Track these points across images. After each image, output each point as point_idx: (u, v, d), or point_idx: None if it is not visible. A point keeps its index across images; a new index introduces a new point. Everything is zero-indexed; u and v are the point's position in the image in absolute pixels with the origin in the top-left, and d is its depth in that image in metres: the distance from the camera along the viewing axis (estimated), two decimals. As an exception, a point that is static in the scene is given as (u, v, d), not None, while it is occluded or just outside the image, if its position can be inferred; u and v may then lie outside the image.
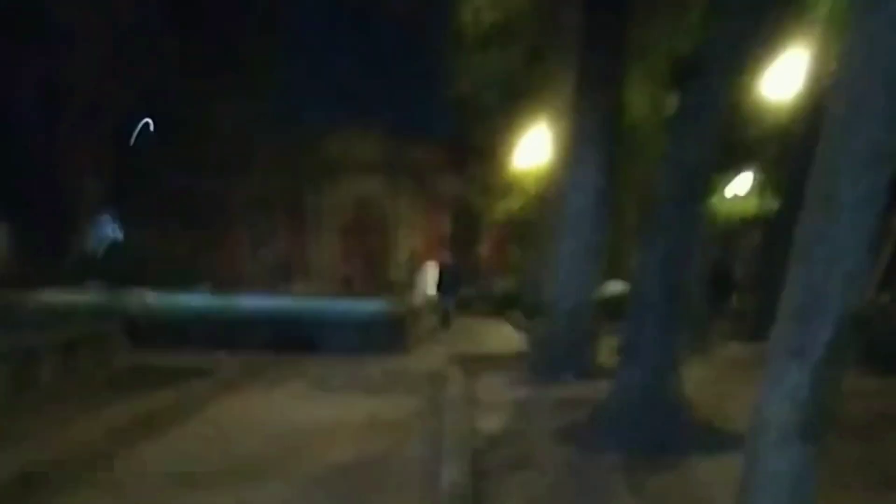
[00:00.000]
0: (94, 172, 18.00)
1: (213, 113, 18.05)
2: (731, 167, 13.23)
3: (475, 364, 9.34)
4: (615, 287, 12.04)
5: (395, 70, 21.71)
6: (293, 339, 10.60)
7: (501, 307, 18.24)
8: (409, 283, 20.55)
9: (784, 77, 10.11)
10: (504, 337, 13.35)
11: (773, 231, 12.37)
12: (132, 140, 18.78)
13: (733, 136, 9.64)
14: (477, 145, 18.51)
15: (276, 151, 20.19)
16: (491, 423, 6.32)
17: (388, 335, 11.13)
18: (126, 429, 5.83)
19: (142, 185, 17.90)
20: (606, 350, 8.02)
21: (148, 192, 17.78)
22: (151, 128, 18.78)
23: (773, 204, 12.92)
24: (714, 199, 10.90)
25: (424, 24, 17.05)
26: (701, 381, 7.04)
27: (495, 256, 23.16)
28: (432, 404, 7.30)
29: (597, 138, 8.49)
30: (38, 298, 10.98)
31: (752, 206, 14.42)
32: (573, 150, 8.64)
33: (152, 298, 11.59)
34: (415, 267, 21.56)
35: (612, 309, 8.82)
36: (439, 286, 16.06)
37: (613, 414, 5.74)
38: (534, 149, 12.87)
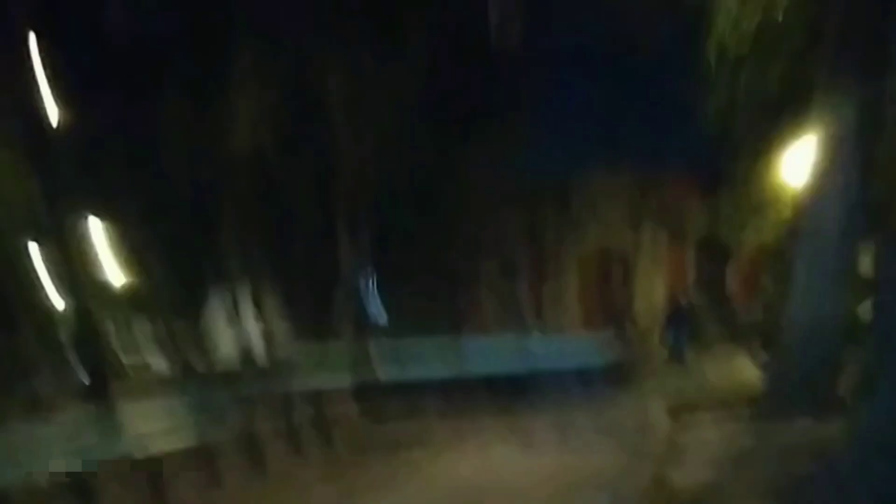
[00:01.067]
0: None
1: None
2: None
3: (697, 406, 8.65)
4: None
5: (640, 101, 21.65)
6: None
7: (746, 341, 17.29)
8: (651, 320, 20.38)
9: None
10: (740, 373, 12.34)
11: None
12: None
13: None
14: (729, 171, 17.88)
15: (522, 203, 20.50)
16: (696, 476, 5.69)
17: (609, 378, 11.10)
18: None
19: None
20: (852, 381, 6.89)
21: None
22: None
23: None
24: None
25: (668, 51, 16.80)
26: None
27: (744, 290, 21.92)
28: (636, 456, 6.96)
29: (853, 142, 7.78)
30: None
31: None
32: (827, 155, 8.01)
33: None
34: (656, 303, 21.37)
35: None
36: (673, 320, 15.74)
37: (845, 467, 4.66)
38: (791, 171, 12.22)
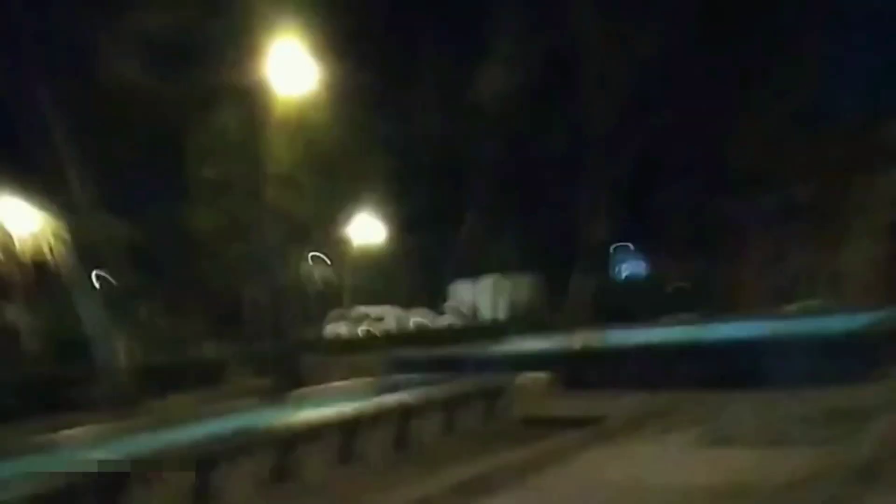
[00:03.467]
0: (608, 211, 18.92)
1: (736, 127, 17.58)
2: None
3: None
4: None
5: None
6: (733, 371, 9.18)
7: None
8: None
9: None
10: None
11: None
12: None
13: None
14: None
15: (805, 152, 18.47)
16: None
17: (857, 360, 8.76)
18: (468, 484, 5.64)
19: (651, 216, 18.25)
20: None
21: (657, 222, 18.28)
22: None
23: None
24: None
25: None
26: None
27: None
28: (848, 462, 5.47)
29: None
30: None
31: None
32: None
33: (601, 336, 11.99)
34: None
35: None
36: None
37: None
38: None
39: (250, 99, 13.40)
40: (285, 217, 17.55)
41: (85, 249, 16.52)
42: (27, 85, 13.11)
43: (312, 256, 21.56)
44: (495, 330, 18.70)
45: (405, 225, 20.85)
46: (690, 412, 8.06)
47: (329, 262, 22.02)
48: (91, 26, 12.37)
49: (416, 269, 22.87)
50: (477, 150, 18.81)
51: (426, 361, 11.54)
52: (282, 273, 17.39)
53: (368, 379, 10.31)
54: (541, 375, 9.37)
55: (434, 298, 24.30)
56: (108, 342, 16.19)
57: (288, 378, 13.11)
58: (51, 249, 15.24)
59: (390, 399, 7.51)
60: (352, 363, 18.00)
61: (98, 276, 19.16)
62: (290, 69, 12.74)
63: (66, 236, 15.40)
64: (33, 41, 12.69)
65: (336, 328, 25.26)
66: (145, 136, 14.94)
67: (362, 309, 25.76)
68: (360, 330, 24.52)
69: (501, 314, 24.74)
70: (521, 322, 20.39)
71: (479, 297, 25.52)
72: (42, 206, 14.56)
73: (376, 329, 25.45)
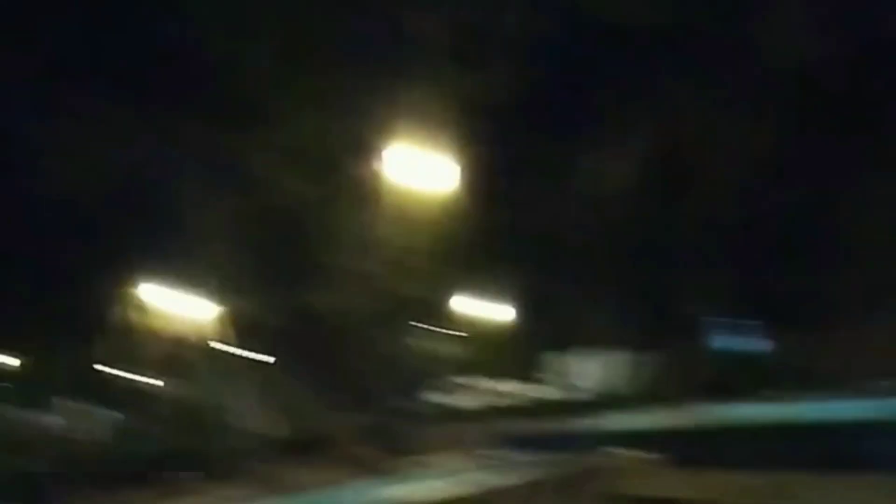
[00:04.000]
0: (711, 285, 18.69)
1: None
2: None
3: None
4: None
5: None
6: (846, 453, 9.18)
7: None
8: None
9: None
10: None
11: None
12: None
13: None
14: None
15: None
16: None
17: None
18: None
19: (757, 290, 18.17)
20: None
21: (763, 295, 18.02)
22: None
23: None
24: None
25: None
26: None
27: None
28: None
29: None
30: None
31: None
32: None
33: (705, 411, 11.77)
34: None
35: None
36: None
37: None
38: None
39: (374, 194, 15.20)
40: (398, 296, 19.40)
41: (233, 328, 18.92)
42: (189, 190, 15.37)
43: (420, 330, 23.04)
44: (594, 404, 18.96)
45: (507, 300, 22.03)
46: (806, 497, 8.13)
47: (434, 334, 23.39)
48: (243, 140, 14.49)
49: (516, 342, 23.78)
50: (583, 232, 19.76)
51: (528, 435, 12.20)
52: (387, 346, 18.76)
53: (472, 451, 10.47)
54: (646, 453, 9.61)
55: (533, 371, 25.01)
56: (239, 412, 17.66)
57: (391, 448, 14.18)
58: (205, 328, 17.36)
59: (497, 478, 8.09)
60: (452, 433, 18.97)
61: (241, 352, 21.46)
62: (415, 165, 14.48)
63: (219, 317, 17.40)
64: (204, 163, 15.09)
65: (440, 398, 26.52)
66: (290, 234, 17.03)
67: (466, 380, 26.92)
68: (464, 400, 25.59)
69: (600, 387, 25.01)
70: (621, 396, 20.65)
71: (578, 369, 25.90)
72: (203, 292, 16.71)
73: (478, 400, 26.49)
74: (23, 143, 13.72)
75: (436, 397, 26.62)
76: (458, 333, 22.77)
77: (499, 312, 22.81)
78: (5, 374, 22.40)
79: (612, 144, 17.51)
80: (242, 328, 19.72)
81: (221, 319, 18.75)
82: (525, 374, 24.75)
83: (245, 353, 21.01)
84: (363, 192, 14.97)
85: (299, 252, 17.35)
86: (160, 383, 22.99)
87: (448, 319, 22.23)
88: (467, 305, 22.27)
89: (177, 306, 18.44)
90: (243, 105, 13.61)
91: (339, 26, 12.39)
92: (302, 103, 13.47)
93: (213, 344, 18.63)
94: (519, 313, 22.30)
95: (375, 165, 14.54)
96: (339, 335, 20.67)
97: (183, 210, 15.20)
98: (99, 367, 21.76)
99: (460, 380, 25.83)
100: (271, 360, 22.17)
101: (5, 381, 22.41)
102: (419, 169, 14.69)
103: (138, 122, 13.27)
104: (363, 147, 14.09)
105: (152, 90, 12.89)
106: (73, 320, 18.62)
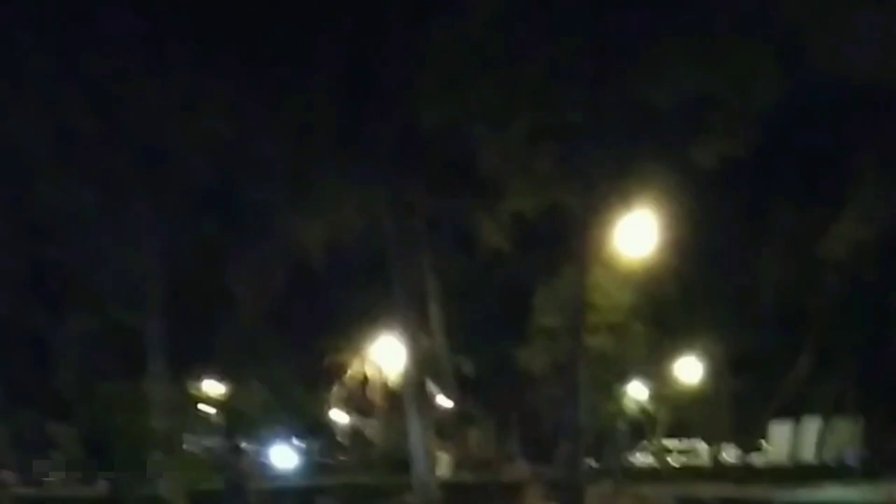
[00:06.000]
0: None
1: None
2: None
3: None
4: None
5: None
6: None
7: None
8: None
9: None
10: None
11: None
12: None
13: None
14: None
15: None
16: None
17: None
18: None
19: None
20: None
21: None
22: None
23: None
24: None
25: None
26: None
27: None
28: None
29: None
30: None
31: None
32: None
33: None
34: None
35: None
36: None
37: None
38: None
39: (589, 261, 15.05)
40: (608, 358, 19.09)
41: (431, 377, 19.57)
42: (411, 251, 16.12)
43: (630, 391, 22.45)
44: (811, 473, 17.69)
45: (726, 365, 21.02)
46: None
47: (645, 396, 22.72)
48: (470, 209, 15.15)
49: (731, 407, 22.64)
50: (819, 296, 18.61)
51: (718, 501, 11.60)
52: (588, 406, 18.37)
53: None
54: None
55: (748, 436, 23.66)
56: (430, 457, 18.07)
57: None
58: (405, 377, 18.07)
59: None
60: (641, 496, 18.37)
61: (434, 401, 22.18)
62: (635, 234, 14.18)
63: (420, 367, 18.02)
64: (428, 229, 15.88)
65: (643, 458, 25.62)
66: (501, 293, 17.48)
67: (671, 442, 25.84)
68: (666, 462, 24.55)
69: (820, 457, 23.21)
70: (842, 467, 19.12)
71: (798, 438, 24.24)
72: (410, 343, 17.34)
73: (681, 462, 25.21)
74: (275, 213, 15.14)
75: (634, 456, 25.71)
76: (670, 394, 22.05)
77: (717, 374, 21.82)
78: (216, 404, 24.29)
79: (856, 209, 16.25)
80: (447, 378, 20.35)
81: (431, 369, 19.40)
82: (741, 438, 23.48)
83: (446, 402, 21.66)
84: (586, 256, 14.82)
85: (513, 310, 17.64)
86: (365, 424, 24.31)
87: (664, 381, 21.60)
88: (686, 367, 21.55)
89: (393, 357, 19.37)
90: (482, 177, 14.05)
91: (580, 100, 12.40)
92: (535, 174, 13.63)
93: (416, 391, 19.26)
94: (740, 375, 21.30)
95: (600, 231, 14.38)
96: (539, 389, 20.79)
97: (408, 271, 15.84)
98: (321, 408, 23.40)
99: (664, 441, 24.89)
100: (471, 408, 22.68)
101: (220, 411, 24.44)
102: (644, 234, 14.38)
103: (381, 194, 14.08)
104: (592, 213, 13.97)
105: (408, 169, 13.71)
106: (302, 367, 20.23)
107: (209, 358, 20.11)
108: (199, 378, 20.87)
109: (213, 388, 21.55)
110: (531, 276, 17.16)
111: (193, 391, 20.71)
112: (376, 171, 13.82)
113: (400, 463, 17.99)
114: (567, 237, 15.02)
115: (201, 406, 21.03)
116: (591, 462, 21.96)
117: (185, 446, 22.84)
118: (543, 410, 21.71)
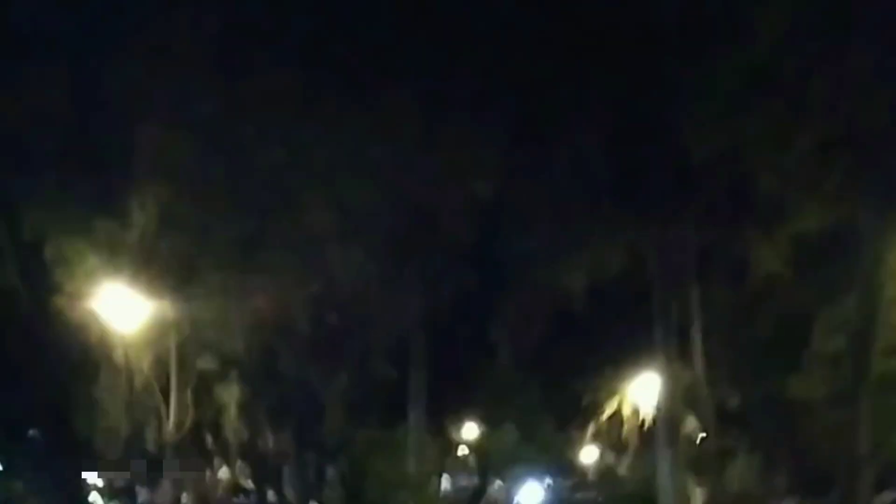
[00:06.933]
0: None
1: None
2: None
3: None
4: None
5: None
6: None
7: None
8: None
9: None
10: None
11: None
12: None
13: None
14: None
15: None
16: None
17: None
18: None
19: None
20: None
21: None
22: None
23: None
24: None
25: None
26: None
27: None
28: None
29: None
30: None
31: None
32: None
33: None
34: None
35: None
36: None
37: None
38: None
39: (881, 276, 13.50)
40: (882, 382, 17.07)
41: (691, 411, 18.63)
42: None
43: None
44: None
45: None
46: None
47: None
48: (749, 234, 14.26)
49: None
50: None
51: None
52: (872, 436, 16.50)
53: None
54: None
55: None
56: (680, 493, 17.17)
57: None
58: (659, 412, 17.24)
59: None
60: None
61: (691, 436, 21.14)
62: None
63: (676, 401, 17.19)
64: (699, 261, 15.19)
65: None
66: (775, 320, 16.24)
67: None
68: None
69: None
70: None
71: None
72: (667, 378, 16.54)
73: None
74: (537, 263, 15.27)
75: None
76: None
77: None
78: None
79: None
80: (707, 412, 19.32)
81: (690, 403, 18.55)
82: None
83: (705, 437, 20.57)
84: (876, 272, 13.39)
85: (788, 339, 16.43)
86: (618, 461, 23.81)
87: None
88: None
89: (650, 394, 18.76)
90: (760, 201, 13.23)
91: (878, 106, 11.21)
92: (822, 191, 12.53)
93: (669, 426, 18.39)
94: None
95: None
96: (815, 420, 19.17)
97: (671, 306, 15.28)
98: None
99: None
100: (732, 442, 21.34)
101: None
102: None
103: (648, 233, 13.71)
104: (885, 224, 12.58)
105: (678, 204, 13.25)
106: (557, 408, 20.37)
107: (469, 404, 20.81)
108: (458, 423, 21.65)
109: (471, 432, 22.25)
110: (810, 301, 15.75)
111: (453, 435, 21.57)
112: (644, 211, 13.42)
113: (649, 500, 17.51)
114: (855, 254, 13.73)
115: (461, 449, 21.81)
116: (881, 497, 19.70)
117: (440, 487, 23.93)
118: (818, 442, 19.96)
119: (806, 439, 20.54)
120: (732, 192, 13.52)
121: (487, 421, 21.77)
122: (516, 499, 25.28)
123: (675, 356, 16.24)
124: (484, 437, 22.28)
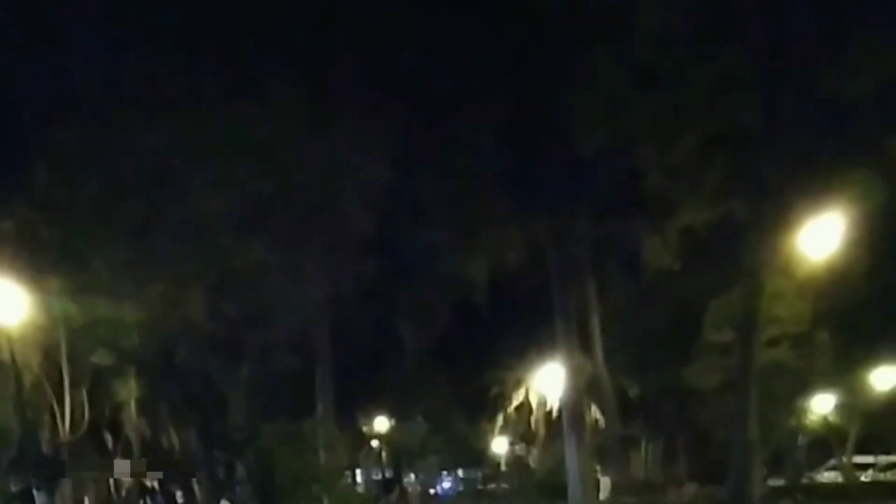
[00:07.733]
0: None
1: None
2: None
3: None
4: None
5: None
6: None
7: None
8: None
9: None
10: None
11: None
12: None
13: None
14: None
15: None
16: None
17: None
18: None
19: None
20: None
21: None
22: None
23: None
24: None
25: None
26: None
27: None
28: None
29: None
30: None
31: None
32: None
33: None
34: None
35: None
36: None
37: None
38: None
39: (764, 271, 14.09)
40: (788, 371, 17.85)
41: (593, 401, 19.11)
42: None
43: (814, 405, 20.88)
44: None
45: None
46: None
47: (835, 409, 21.08)
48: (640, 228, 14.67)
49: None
50: None
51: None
52: (761, 422, 17.30)
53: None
54: None
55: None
56: (588, 482, 17.55)
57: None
58: (564, 402, 17.65)
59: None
60: None
61: (596, 425, 21.62)
62: (819, 236, 13.11)
63: (580, 392, 17.60)
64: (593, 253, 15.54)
65: (830, 475, 23.72)
66: (669, 312, 16.80)
67: (863, 458, 23.70)
68: (854, 478, 22.62)
69: None
70: None
71: None
72: (569, 369, 16.94)
73: (877, 478, 23.15)
74: (438, 254, 15.30)
75: (822, 474, 23.79)
76: (861, 406, 20.30)
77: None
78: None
79: None
80: (609, 402, 19.78)
81: (593, 394, 18.92)
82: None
83: (609, 425, 21.10)
84: (759, 266, 13.94)
85: (681, 330, 16.97)
86: (527, 452, 24.11)
87: (855, 392, 19.89)
88: (882, 375, 19.72)
89: (555, 384, 19.11)
90: (649, 196, 13.59)
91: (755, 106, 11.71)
92: (706, 187, 12.98)
93: (574, 416, 18.81)
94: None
95: (777, 238, 13.52)
96: (709, 407, 19.86)
97: (569, 298, 15.58)
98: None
99: (854, 457, 22.97)
100: (634, 431, 21.89)
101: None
102: (829, 235, 13.32)
103: (545, 226, 13.91)
104: (767, 221, 13.13)
105: (571, 198, 13.50)
106: (465, 400, 20.39)
107: (379, 397, 20.63)
108: (369, 415, 21.46)
109: (382, 425, 22.08)
110: (700, 294, 16.36)
111: (364, 429, 21.36)
112: (540, 204, 13.62)
113: (559, 488, 17.79)
114: (740, 249, 14.32)
115: (373, 443, 21.66)
116: (770, 481, 20.63)
117: (350, 480, 23.63)
118: (713, 430, 20.72)
119: (702, 427, 21.34)
120: (623, 187, 13.93)
121: (397, 414, 21.69)
122: (430, 491, 25.27)
123: (576, 347, 16.53)
124: (394, 431, 22.21)
